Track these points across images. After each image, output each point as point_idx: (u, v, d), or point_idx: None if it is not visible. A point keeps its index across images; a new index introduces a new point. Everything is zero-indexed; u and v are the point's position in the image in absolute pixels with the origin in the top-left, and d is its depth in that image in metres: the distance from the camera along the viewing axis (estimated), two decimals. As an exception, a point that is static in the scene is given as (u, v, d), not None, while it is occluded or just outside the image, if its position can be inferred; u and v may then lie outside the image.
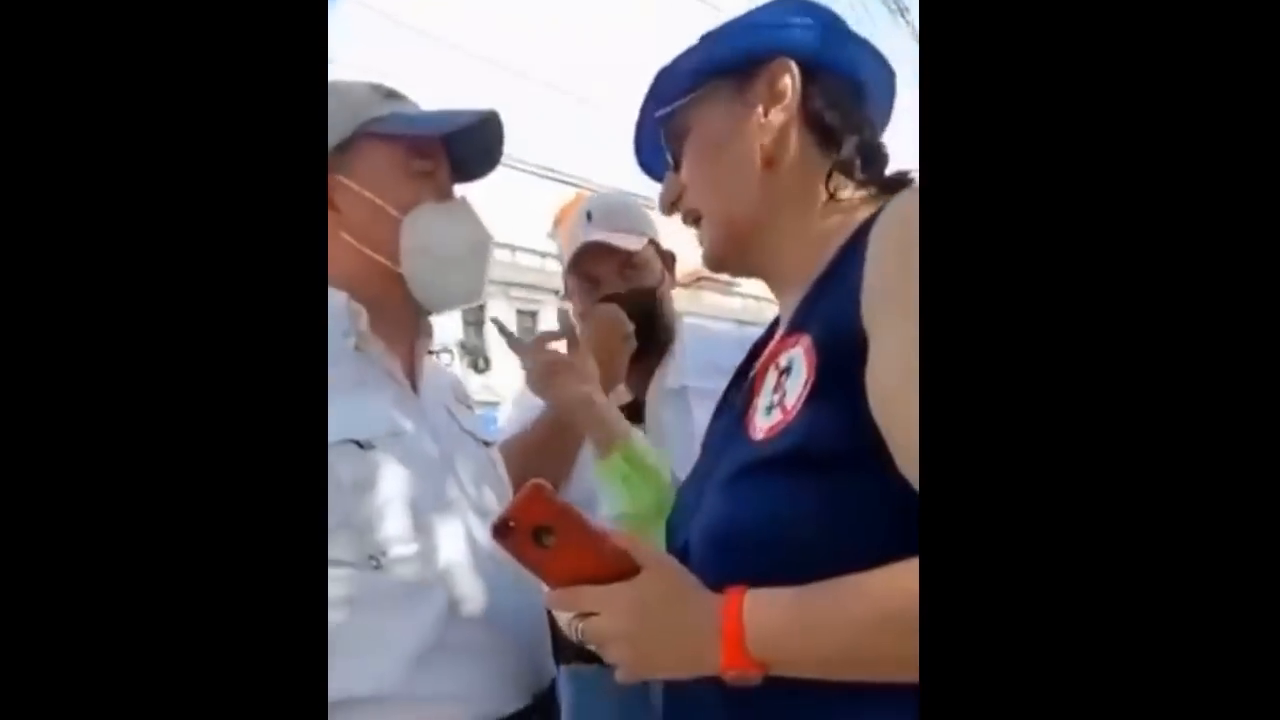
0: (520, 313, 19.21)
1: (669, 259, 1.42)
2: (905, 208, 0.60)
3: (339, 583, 0.73)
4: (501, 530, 0.60)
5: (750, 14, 0.73)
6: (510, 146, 0.95)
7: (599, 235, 1.31)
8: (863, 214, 0.67)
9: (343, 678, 0.71)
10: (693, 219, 0.75)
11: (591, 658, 1.17)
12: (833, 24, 0.72)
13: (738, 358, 0.84)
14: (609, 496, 0.88)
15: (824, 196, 0.69)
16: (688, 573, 0.62)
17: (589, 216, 1.33)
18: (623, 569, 0.60)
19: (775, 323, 0.79)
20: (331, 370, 0.78)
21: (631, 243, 1.33)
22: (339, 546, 0.73)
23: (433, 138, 0.88)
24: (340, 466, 0.75)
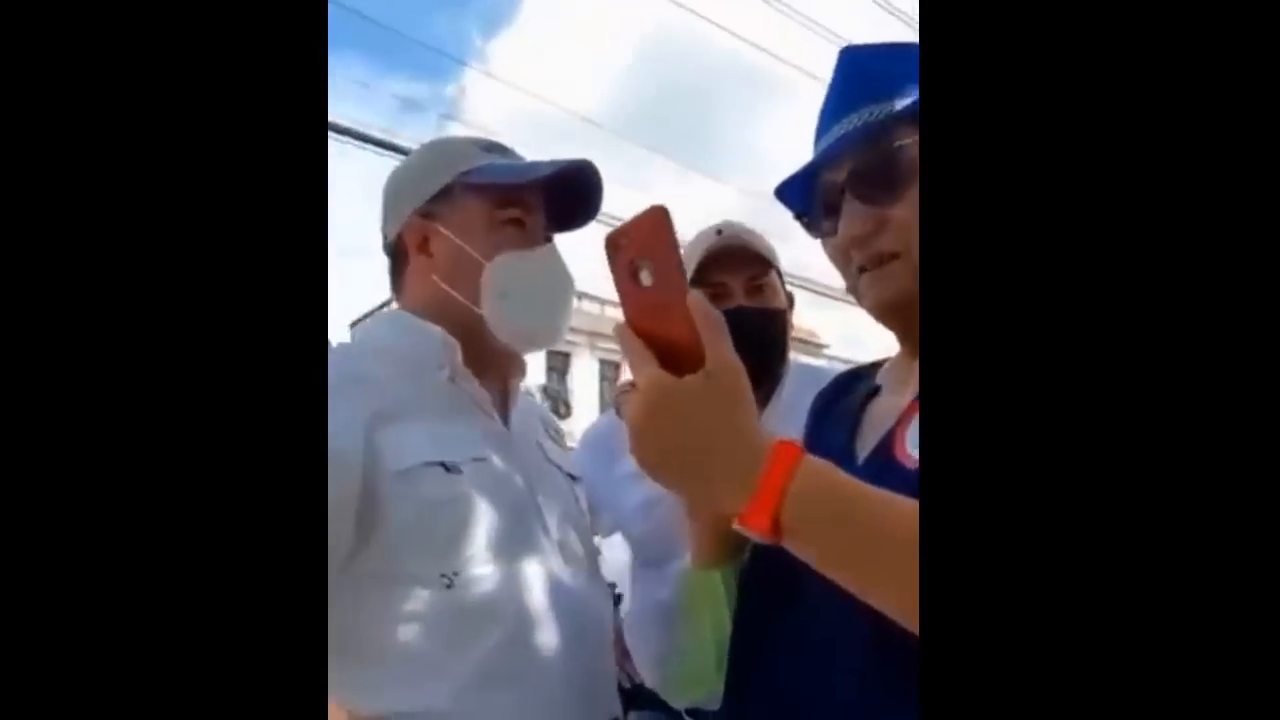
0: (603, 362, 19.41)
1: (791, 298, 1.33)
2: None
3: (411, 600, 0.76)
4: (611, 246, 0.57)
5: None
6: (610, 204, 0.97)
7: (734, 240, 1.23)
8: None
9: (401, 692, 0.75)
10: (884, 259, 0.68)
11: (656, 704, 1.18)
12: None
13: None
14: (688, 620, 0.73)
15: None
16: (748, 398, 0.55)
17: (719, 231, 1.25)
18: (691, 356, 0.54)
19: (871, 367, 0.79)
20: (425, 399, 0.84)
21: (768, 254, 1.24)
22: (415, 563, 0.76)
23: (526, 187, 0.92)
24: (424, 487, 0.78)
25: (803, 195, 0.75)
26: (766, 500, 0.52)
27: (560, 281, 0.94)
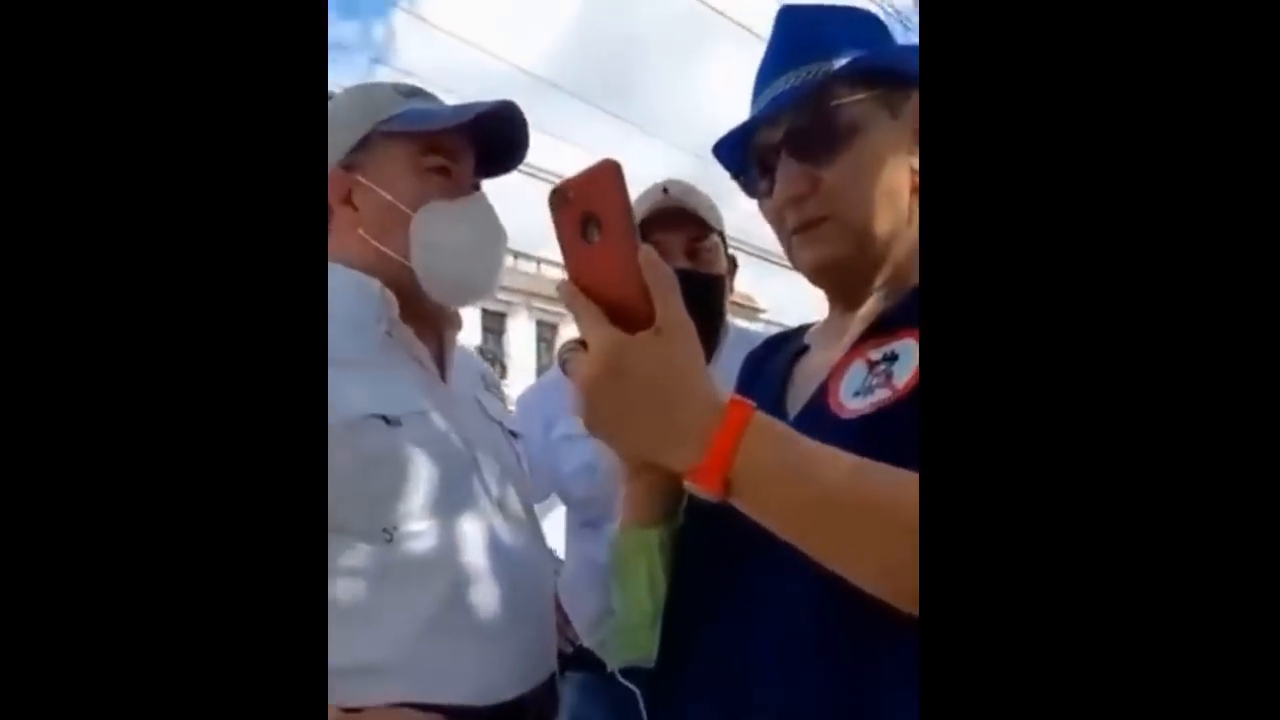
0: (540, 324, 19.29)
1: (733, 262, 1.32)
2: None
3: (350, 553, 0.75)
4: (557, 199, 0.55)
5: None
6: (539, 156, 0.95)
7: (678, 201, 1.21)
8: None
9: (346, 647, 0.73)
10: (815, 222, 0.69)
11: (594, 665, 1.19)
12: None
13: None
14: (624, 580, 0.72)
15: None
16: (699, 355, 0.55)
17: (665, 190, 1.23)
18: (639, 314, 0.53)
19: (798, 330, 0.80)
20: (364, 352, 0.82)
21: (710, 217, 1.22)
22: (354, 517, 0.75)
23: (450, 132, 0.89)
24: (364, 440, 0.77)
25: (739, 154, 0.75)
26: (718, 458, 0.52)
27: (491, 231, 0.91)
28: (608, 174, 0.53)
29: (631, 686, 0.72)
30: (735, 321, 1.34)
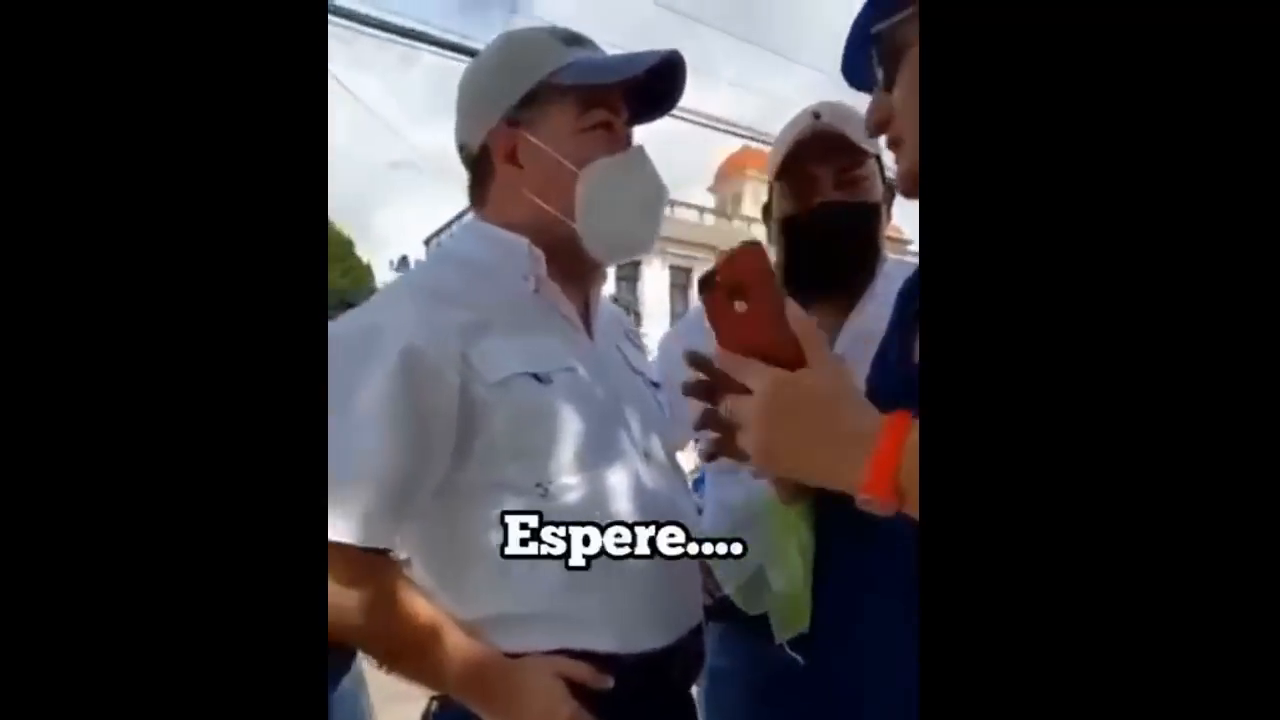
0: (674, 269, 19.32)
1: (890, 190, 1.21)
2: None
3: (506, 507, 0.78)
4: (705, 283, 0.60)
5: None
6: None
7: (828, 127, 1.14)
8: None
9: (500, 597, 0.78)
10: (894, 144, 0.71)
11: (735, 615, 1.17)
12: None
13: None
14: (777, 558, 0.76)
15: None
16: (852, 380, 0.59)
17: (816, 115, 1.15)
18: (792, 359, 0.57)
19: None
20: (512, 310, 0.84)
21: (865, 142, 1.14)
22: (509, 472, 0.78)
23: (616, 85, 0.87)
24: (518, 397, 0.79)
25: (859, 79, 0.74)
26: (884, 467, 0.53)
27: (654, 187, 0.90)
28: (751, 258, 0.58)
29: (798, 657, 0.73)
30: (894, 259, 1.25)
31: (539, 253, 0.85)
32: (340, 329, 0.79)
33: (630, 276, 18.59)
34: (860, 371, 1.10)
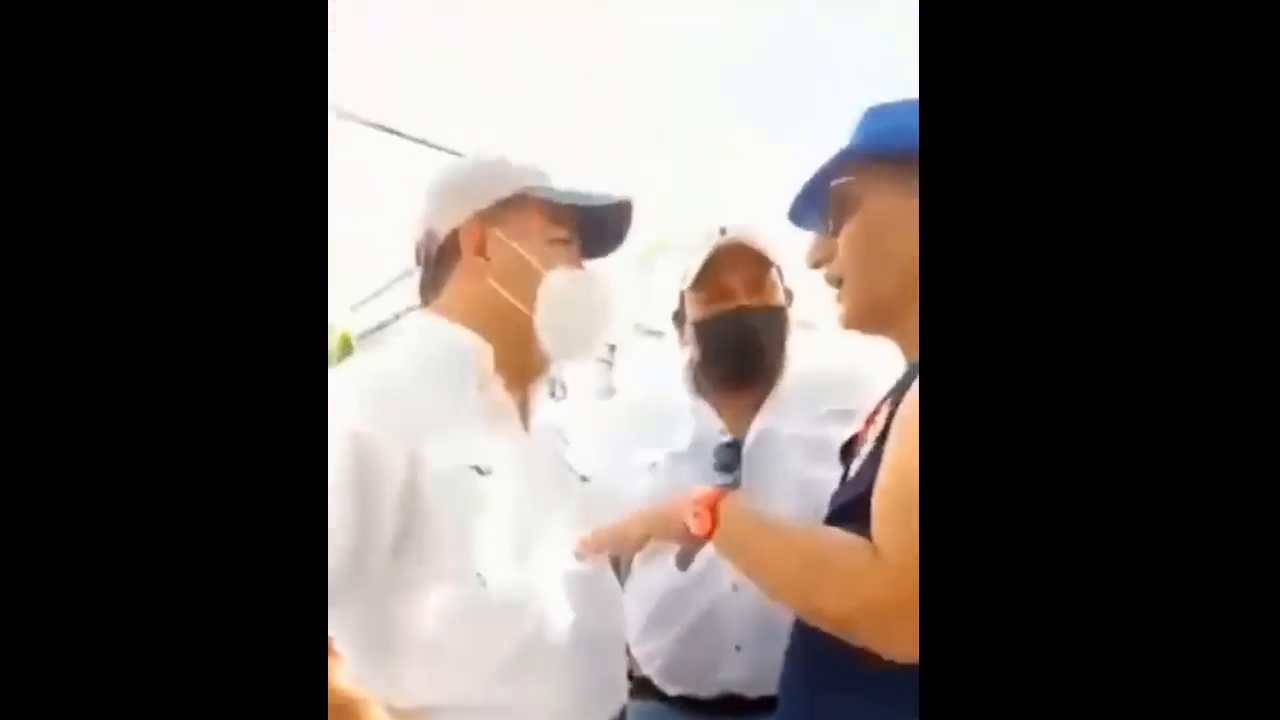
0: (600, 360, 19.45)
1: (790, 294, 1.33)
2: None
3: (444, 596, 0.80)
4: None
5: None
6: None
7: (736, 240, 1.25)
8: None
9: (434, 685, 0.80)
10: (833, 280, 0.83)
11: (660, 697, 1.18)
12: None
13: (845, 401, 0.96)
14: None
15: None
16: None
17: (722, 231, 1.26)
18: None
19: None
20: (457, 404, 0.89)
21: (769, 252, 1.26)
22: (450, 562, 0.81)
23: (581, 211, 0.98)
24: (461, 489, 0.83)
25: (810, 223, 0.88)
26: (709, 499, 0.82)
27: (608, 301, 0.99)
28: None
29: None
30: (799, 361, 1.36)
31: (487, 348, 0.91)
32: None
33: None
34: (768, 462, 1.21)
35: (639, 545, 0.91)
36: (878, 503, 0.67)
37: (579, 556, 0.89)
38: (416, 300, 1.01)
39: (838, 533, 0.71)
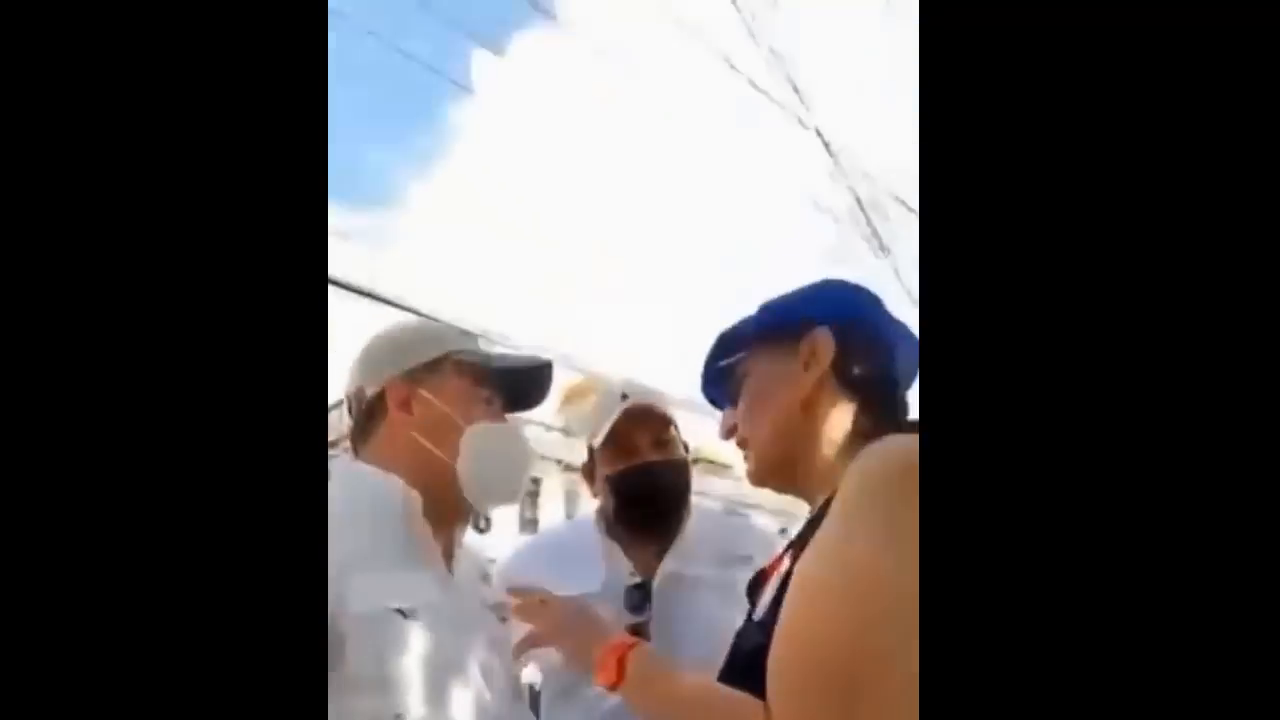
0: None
1: (687, 447, 1.47)
2: (868, 463, 0.74)
3: None
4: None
5: (801, 291, 0.94)
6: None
7: (638, 403, 1.37)
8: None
9: None
10: (742, 445, 0.94)
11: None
12: (867, 301, 0.93)
13: (746, 547, 1.14)
14: None
15: (850, 434, 0.86)
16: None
17: (624, 395, 1.39)
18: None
19: None
20: (382, 547, 0.92)
21: (666, 411, 1.41)
22: (370, 703, 0.84)
23: (502, 372, 1.07)
24: (382, 631, 0.86)
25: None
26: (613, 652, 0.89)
27: (526, 452, 1.08)
28: None
29: None
30: (704, 504, 1.51)
31: (413, 493, 0.96)
32: None
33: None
34: (676, 604, 1.31)
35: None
36: (772, 668, 0.71)
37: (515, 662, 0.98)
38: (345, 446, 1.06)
39: (734, 694, 0.77)
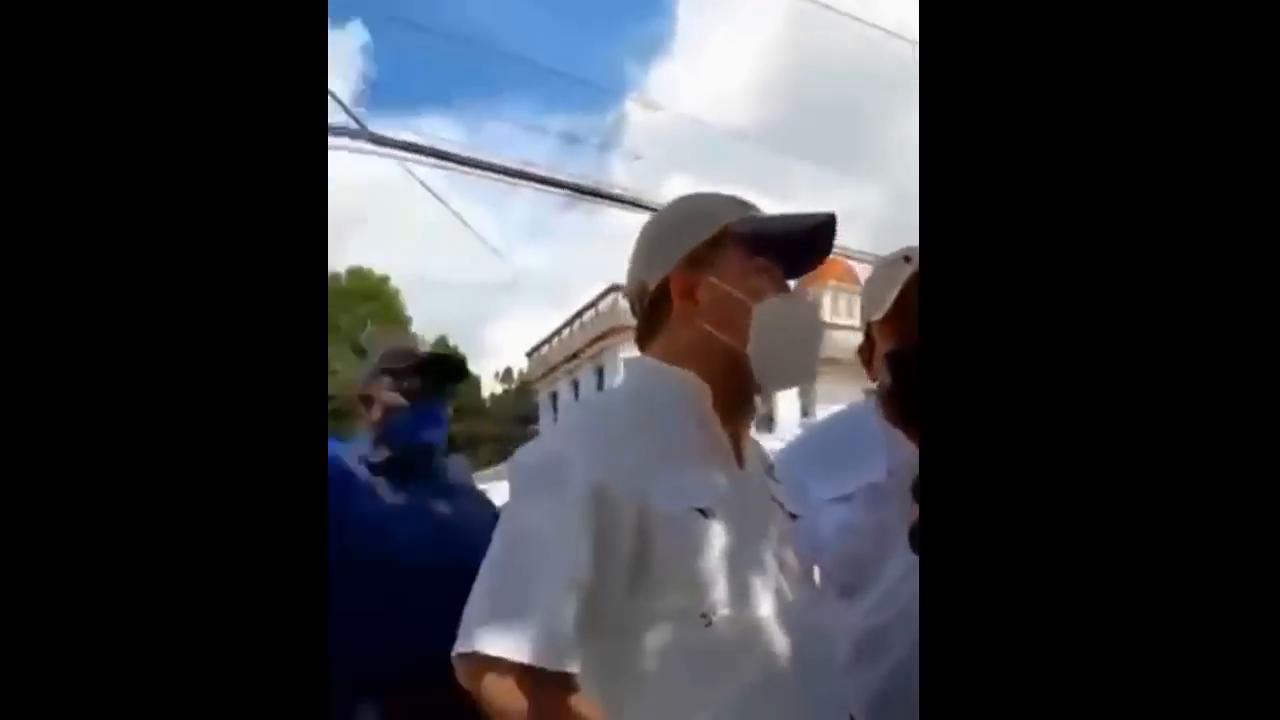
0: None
1: None
2: None
3: (671, 636, 0.84)
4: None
5: None
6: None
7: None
8: None
9: None
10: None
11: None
12: None
13: None
14: None
15: None
16: None
17: (907, 259, 1.29)
18: None
19: None
20: (679, 445, 0.92)
21: None
22: (677, 602, 0.85)
23: (780, 238, 1.00)
24: (686, 530, 0.86)
25: None
26: None
27: (818, 324, 1.05)
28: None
29: None
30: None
31: (705, 387, 0.95)
32: (529, 459, 0.90)
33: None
34: None
35: None
36: None
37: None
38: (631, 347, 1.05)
39: None
